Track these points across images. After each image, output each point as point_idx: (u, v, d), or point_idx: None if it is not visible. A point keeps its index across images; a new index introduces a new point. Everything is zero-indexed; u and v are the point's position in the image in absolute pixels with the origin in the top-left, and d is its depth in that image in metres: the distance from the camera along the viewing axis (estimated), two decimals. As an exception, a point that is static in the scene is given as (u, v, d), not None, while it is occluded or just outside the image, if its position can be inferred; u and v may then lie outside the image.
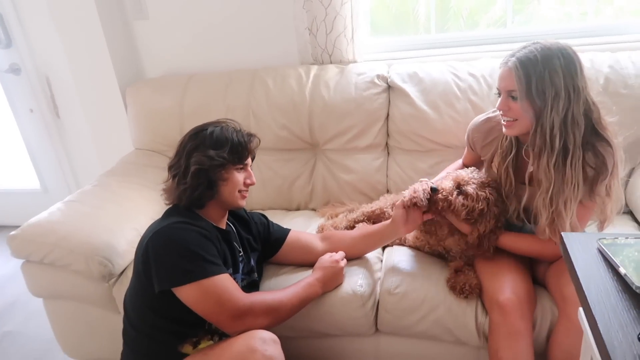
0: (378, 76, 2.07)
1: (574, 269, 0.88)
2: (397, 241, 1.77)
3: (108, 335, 1.80)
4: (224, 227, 1.52)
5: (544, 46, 1.30)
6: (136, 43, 2.50)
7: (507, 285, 1.42)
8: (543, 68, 1.28)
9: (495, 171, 1.53)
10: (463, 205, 1.46)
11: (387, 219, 1.82)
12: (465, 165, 1.75)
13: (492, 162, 1.56)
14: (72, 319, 1.90)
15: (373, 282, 1.62)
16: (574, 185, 1.33)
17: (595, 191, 1.36)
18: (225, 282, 1.32)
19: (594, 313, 0.78)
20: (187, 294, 1.30)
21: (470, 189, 1.46)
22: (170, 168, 1.48)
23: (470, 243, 1.50)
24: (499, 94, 1.39)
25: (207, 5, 2.35)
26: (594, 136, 1.35)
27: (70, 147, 2.91)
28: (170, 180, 1.48)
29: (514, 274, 1.46)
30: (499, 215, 1.49)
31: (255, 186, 2.18)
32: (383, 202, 1.85)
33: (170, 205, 1.49)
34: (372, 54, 2.33)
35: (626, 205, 1.86)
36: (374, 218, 1.83)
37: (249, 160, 1.52)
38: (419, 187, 1.49)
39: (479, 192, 1.46)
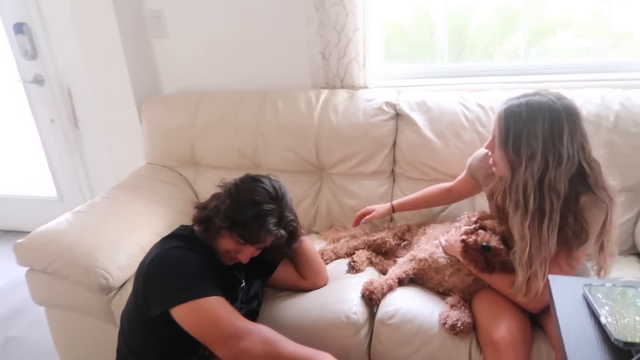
0: (387, 103, 2.07)
1: (556, 315, 0.86)
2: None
3: (105, 349, 1.80)
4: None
5: (535, 102, 1.28)
6: (155, 59, 2.57)
7: (502, 324, 1.39)
8: (523, 125, 1.26)
9: (498, 204, 1.50)
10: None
11: (388, 248, 1.81)
12: (453, 191, 1.75)
13: (493, 195, 1.54)
14: (71, 330, 1.93)
15: (369, 310, 1.61)
16: (550, 247, 1.30)
17: (573, 254, 1.34)
18: (223, 303, 1.32)
19: (569, 362, 0.76)
20: (183, 314, 1.29)
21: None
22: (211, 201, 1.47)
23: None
24: None
25: (223, 26, 2.40)
26: (589, 194, 1.30)
27: (86, 158, 2.98)
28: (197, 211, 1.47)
29: (511, 313, 1.43)
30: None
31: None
32: (385, 233, 1.83)
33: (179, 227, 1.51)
34: (385, 80, 2.33)
35: (634, 246, 1.82)
36: (375, 247, 1.82)
37: (256, 246, 1.44)
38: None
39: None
